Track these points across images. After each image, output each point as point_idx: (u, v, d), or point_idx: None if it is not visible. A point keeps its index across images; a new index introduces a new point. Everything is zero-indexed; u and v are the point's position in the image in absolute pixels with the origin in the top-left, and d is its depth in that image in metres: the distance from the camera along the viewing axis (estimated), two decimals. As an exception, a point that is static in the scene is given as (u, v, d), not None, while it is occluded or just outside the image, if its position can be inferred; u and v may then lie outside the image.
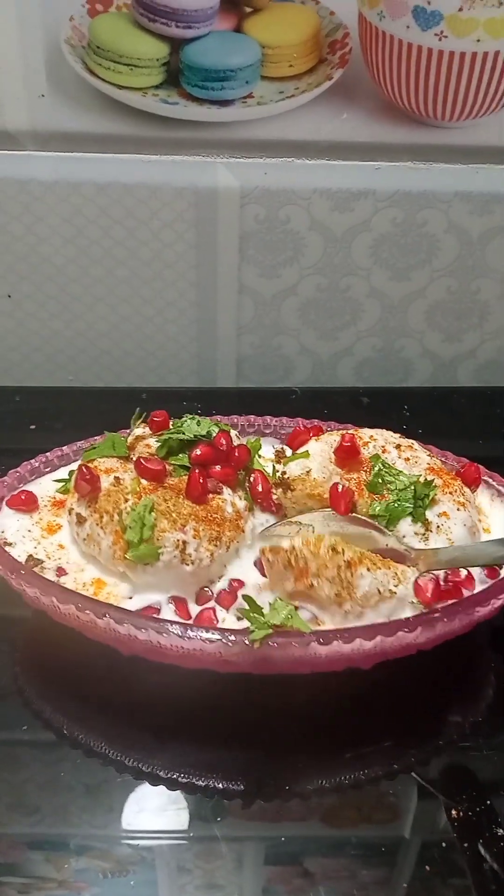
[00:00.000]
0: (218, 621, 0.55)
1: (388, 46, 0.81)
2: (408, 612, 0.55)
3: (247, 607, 0.52)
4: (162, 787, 0.53)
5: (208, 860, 0.50)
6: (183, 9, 0.78)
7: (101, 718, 0.57)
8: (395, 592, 0.54)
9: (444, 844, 0.50)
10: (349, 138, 0.86)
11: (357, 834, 0.51)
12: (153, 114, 0.83)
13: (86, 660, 0.57)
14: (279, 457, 0.65)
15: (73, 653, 0.57)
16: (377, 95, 0.84)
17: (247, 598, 0.53)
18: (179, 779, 0.54)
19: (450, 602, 0.55)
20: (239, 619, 0.54)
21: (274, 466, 0.64)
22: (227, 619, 0.55)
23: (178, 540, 0.55)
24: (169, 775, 0.54)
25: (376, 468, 0.61)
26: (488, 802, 0.53)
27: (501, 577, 0.57)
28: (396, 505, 0.59)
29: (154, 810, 0.52)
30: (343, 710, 0.57)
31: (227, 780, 0.54)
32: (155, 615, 0.55)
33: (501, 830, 0.50)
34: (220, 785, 0.54)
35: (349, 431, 0.64)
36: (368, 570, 0.53)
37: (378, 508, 0.59)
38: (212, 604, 0.55)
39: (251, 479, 0.61)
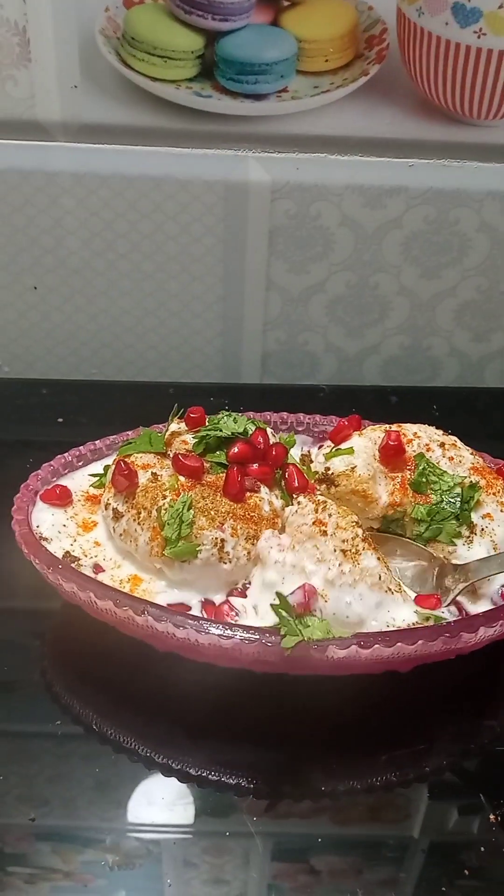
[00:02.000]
0: (237, 612, 0.54)
1: (426, 43, 0.80)
2: (402, 611, 0.55)
3: (278, 603, 0.51)
4: (173, 779, 0.53)
5: (216, 855, 0.50)
6: (220, 1, 0.78)
7: (128, 713, 0.57)
8: (391, 590, 0.55)
9: (482, 849, 0.50)
10: (383, 135, 0.85)
11: (391, 834, 0.51)
12: (186, 107, 0.82)
13: (116, 654, 0.57)
14: (305, 459, 0.65)
15: (103, 647, 0.57)
16: (413, 92, 0.83)
17: (279, 594, 0.52)
18: (210, 777, 0.54)
19: (492, 608, 0.54)
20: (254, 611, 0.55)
21: (302, 456, 0.64)
22: (246, 612, 0.55)
23: (216, 538, 0.54)
24: (198, 772, 0.54)
25: (421, 467, 0.60)
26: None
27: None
28: (441, 507, 0.58)
29: (162, 804, 0.52)
30: (377, 712, 0.56)
31: (259, 778, 0.54)
32: (189, 612, 0.54)
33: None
34: (253, 784, 0.53)
35: (393, 428, 0.63)
36: (378, 559, 0.54)
37: (422, 512, 0.58)
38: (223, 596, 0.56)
39: (286, 474, 0.60)
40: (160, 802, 0.52)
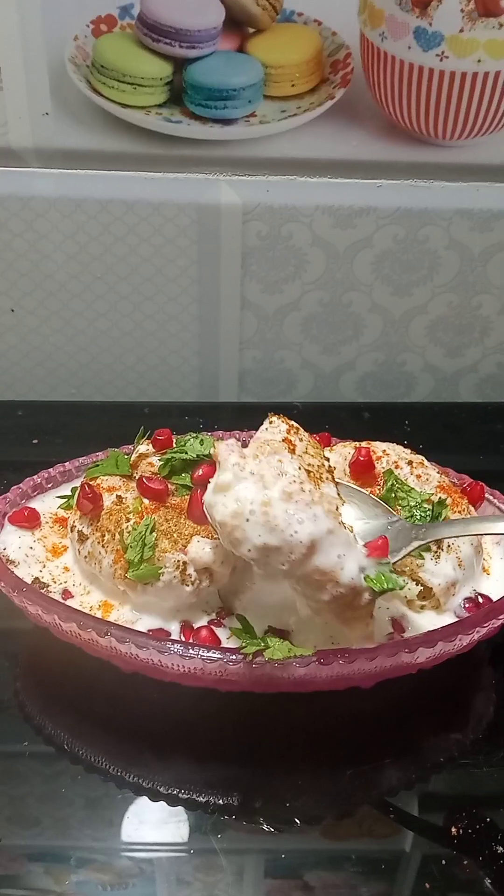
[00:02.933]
0: (220, 640, 0.55)
1: (390, 66, 0.82)
2: (352, 557, 0.52)
3: (240, 626, 0.52)
4: (162, 803, 0.54)
5: (208, 873, 0.50)
6: (186, 29, 0.79)
7: (102, 734, 0.58)
8: (345, 526, 0.53)
9: (443, 861, 0.50)
10: (351, 156, 0.86)
11: (357, 849, 0.52)
12: (156, 132, 0.84)
13: (88, 675, 0.58)
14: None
15: (75, 668, 0.58)
16: (379, 114, 0.84)
17: (240, 617, 0.53)
18: (180, 795, 0.54)
19: (450, 623, 0.55)
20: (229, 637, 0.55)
21: None
22: (229, 640, 0.55)
23: (178, 560, 0.55)
24: (169, 791, 0.54)
25: (389, 483, 0.61)
26: (488, 820, 0.53)
27: (499, 599, 0.57)
28: (413, 521, 0.59)
29: (154, 823, 0.52)
30: (344, 728, 0.57)
31: (227, 796, 0.54)
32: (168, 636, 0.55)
33: (501, 848, 0.51)
34: (221, 801, 0.54)
35: (363, 445, 0.65)
36: (339, 496, 0.54)
37: None
38: (204, 620, 0.56)
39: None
40: (133, 820, 0.52)
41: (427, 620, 0.57)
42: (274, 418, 0.55)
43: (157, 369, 0.98)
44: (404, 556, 0.55)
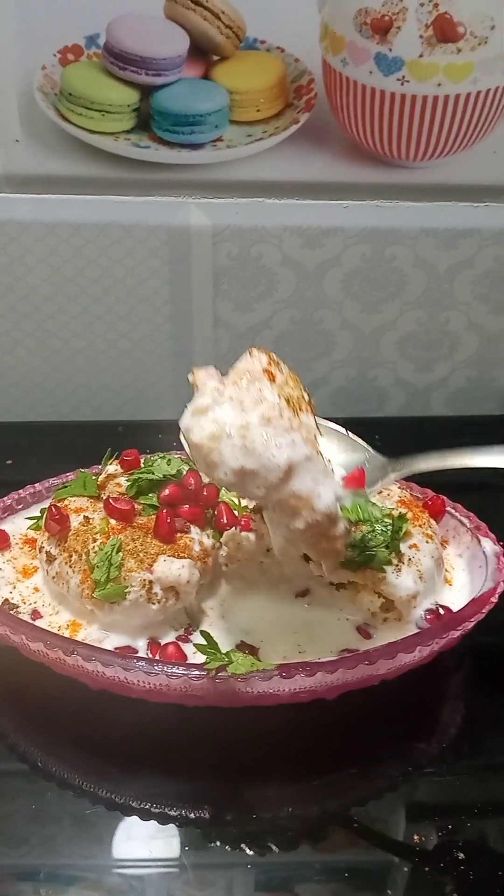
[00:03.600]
0: (186, 657, 0.56)
1: (352, 91, 0.84)
2: (328, 487, 0.52)
3: (204, 642, 0.53)
4: (135, 818, 0.54)
5: (199, 888, 0.51)
6: (152, 57, 0.81)
7: (73, 751, 0.58)
8: (321, 455, 0.52)
9: (405, 869, 0.51)
10: (317, 178, 0.88)
11: (323, 860, 0.53)
12: (126, 157, 0.86)
13: (57, 694, 0.58)
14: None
15: (45, 687, 0.59)
16: (343, 137, 0.87)
17: (204, 633, 0.54)
18: (152, 809, 0.55)
19: (410, 635, 0.56)
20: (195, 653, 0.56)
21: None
22: (195, 655, 0.57)
23: (144, 579, 0.56)
24: (141, 806, 0.55)
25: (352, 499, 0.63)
26: (449, 827, 0.54)
27: (458, 609, 0.59)
28: (371, 536, 0.61)
29: (143, 839, 0.53)
30: (310, 740, 0.58)
31: (198, 809, 0.55)
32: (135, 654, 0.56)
33: (462, 855, 0.52)
34: (192, 815, 0.55)
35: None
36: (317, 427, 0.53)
37: (355, 538, 0.60)
38: (172, 637, 0.57)
39: (216, 513, 0.62)
40: (139, 838, 0.53)
41: (390, 632, 0.59)
42: (255, 350, 0.53)
43: (132, 387, 1.00)
44: (381, 488, 0.55)
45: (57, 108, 0.83)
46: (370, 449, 0.59)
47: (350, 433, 0.61)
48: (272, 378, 0.51)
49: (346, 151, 0.87)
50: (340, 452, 0.59)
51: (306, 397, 0.53)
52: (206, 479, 0.64)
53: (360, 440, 0.61)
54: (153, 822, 0.54)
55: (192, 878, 0.51)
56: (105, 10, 0.80)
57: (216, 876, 0.52)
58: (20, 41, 0.80)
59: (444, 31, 0.81)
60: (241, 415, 0.49)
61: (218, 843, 0.53)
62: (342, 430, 0.61)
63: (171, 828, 0.54)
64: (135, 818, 0.55)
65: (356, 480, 0.54)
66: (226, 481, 0.49)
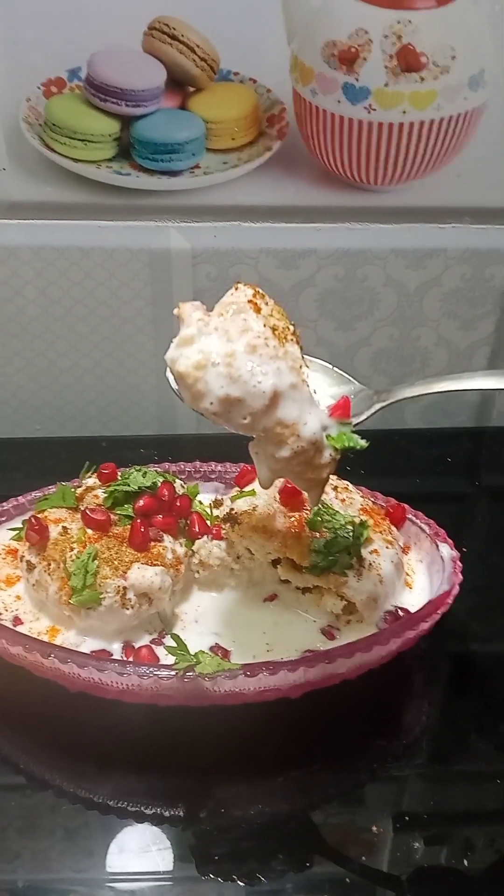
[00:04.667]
0: (158, 659, 0.59)
1: (322, 119, 0.88)
2: (313, 417, 0.52)
3: (175, 645, 0.56)
4: (112, 816, 0.57)
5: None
6: (131, 89, 0.85)
7: (51, 752, 0.61)
8: (307, 384, 0.52)
9: (363, 858, 0.54)
10: (290, 203, 0.92)
11: (288, 853, 0.56)
12: (108, 184, 0.90)
13: (36, 696, 0.61)
14: (217, 504, 0.71)
15: (24, 690, 0.62)
16: (314, 163, 0.90)
17: (174, 636, 0.57)
18: (128, 808, 0.58)
19: (368, 635, 0.59)
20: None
21: (213, 502, 0.69)
22: (168, 658, 0.60)
23: (118, 586, 0.60)
24: (117, 804, 0.58)
25: (315, 507, 0.66)
26: (406, 819, 0.57)
27: (417, 610, 0.62)
28: (334, 542, 0.64)
29: (135, 851, 0.55)
30: (276, 738, 0.61)
31: (172, 807, 0.58)
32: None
33: (417, 844, 0.55)
34: (167, 812, 0.58)
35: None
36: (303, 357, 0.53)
37: (318, 544, 0.64)
38: (146, 641, 0.60)
39: (189, 522, 0.66)
40: (132, 850, 0.55)
41: (353, 633, 0.62)
42: (240, 284, 0.54)
43: (117, 404, 1.03)
44: (366, 419, 0.56)
45: (41, 137, 0.87)
46: (355, 381, 0.60)
47: (336, 368, 0.60)
48: (258, 309, 0.51)
49: (318, 177, 0.91)
50: (326, 385, 0.59)
51: (291, 328, 0.54)
52: (179, 491, 0.68)
53: (345, 374, 0.60)
54: (160, 832, 0.56)
55: (208, 890, 0.53)
56: (86, 45, 0.84)
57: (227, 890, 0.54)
58: (5, 75, 0.84)
59: (408, 61, 0.85)
60: (227, 344, 0.49)
61: (193, 841, 0.56)
62: (328, 364, 0.61)
63: (147, 826, 0.57)
64: (112, 816, 0.58)
65: (341, 409, 0.53)
66: (212, 410, 0.49)
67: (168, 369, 0.52)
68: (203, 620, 0.64)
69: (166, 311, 0.97)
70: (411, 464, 0.96)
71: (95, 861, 0.55)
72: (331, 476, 0.66)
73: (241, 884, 0.53)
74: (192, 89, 0.87)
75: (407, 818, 0.57)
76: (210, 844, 0.56)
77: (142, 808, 0.58)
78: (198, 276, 0.95)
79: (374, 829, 0.56)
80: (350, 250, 0.95)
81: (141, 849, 0.55)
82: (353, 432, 0.54)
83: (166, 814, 0.58)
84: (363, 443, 0.55)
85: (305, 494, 0.67)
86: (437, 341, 1.01)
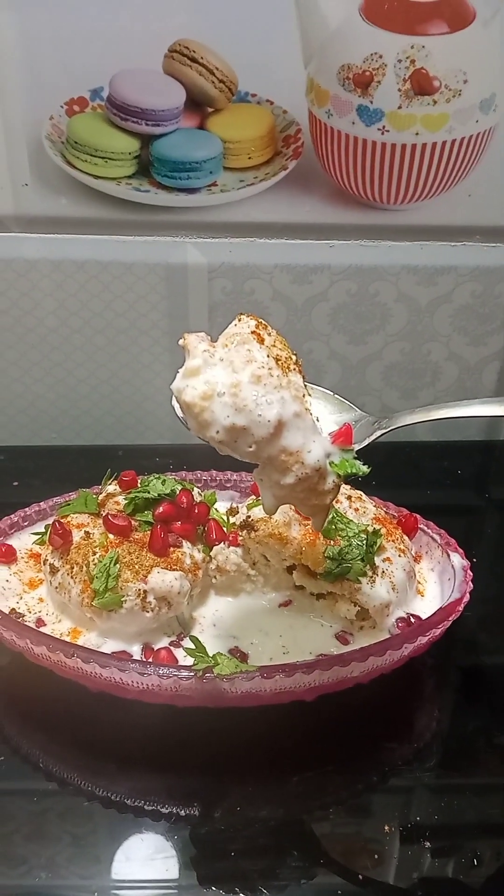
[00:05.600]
0: (177, 660, 0.61)
1: (336, 140, 0.90)
2: (317, 445, 0.53)
3: (193, 647, 0.58)
4: (130, 815, 0.59)
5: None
6: (152, 109, 0.88)
7: (73, 750, 0.63)
8: (310, 412, 0.54)
9: (376, 856, 0.56)
10: (304, 220, 0.95)
11: (303, 851, 0.57)
12: (127, 200, 0.92)
13: (58, 696, 0.63)
14: (233, 512, 0.72)
15: (47, 690, 0.63)
16: (328, 182, 0.93)
17: (193, 638, 0.59)
18: (145, 807, 0.59)
19: (381, 640, 0.61)
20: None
21: (228, 509, 0.71)
22: (186, 659, 0.62)
23: (139, 589, 0.61)
24: (134, 803, 0.59)
25: (330, 516, 0.68)
26: (418, 818, 0.59)
27: (428, 616, 0.64)
28: (348, 550, 0.66)
29: (142, 860, 0.56)
30: (290, 740, 0.62)
31: (188, 806, 0.60)
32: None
33: (428, 843, 0.56)
34: (182, 812, 0.59)
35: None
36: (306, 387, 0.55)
37: (332, 552, 0.66)
38: (165, 643, 0.62)
39: (206, 529, 0.68)
40: (138, 858, 0.56)
41: (366, 639, 0.64)
42: (243, 315, 0.55)
43: (132, 414, 1.05)
44: (368, 444, 0.58)
45: (63, 154, 0.90)
46: (357, 409, 0.62)
47: (337, 395, 0.63)
48: (261, 340, 0.53)
49: (332, 195, 0.94)
50: (328, 412, 0.61)
51: (294, 358, 0.56)
52: (198, 498, 0.70)
53: (346, 401, 0.62)
54: (166, 841, 0.57)
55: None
56: (108, 66, 0.87)
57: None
58: (29, 94, 0.87)
59: (421, 85, 0.88)
60: (232, 374, 0.50)
61: (208, 840, 0.58)
62: (329, 391, 0.63)
63: (164, 825, 0.58)
64: (129, 814, 0.59)
65: (344, 436, 0.55)
66: (218, 439, 0.51)
67: (174, 398, 0.54)
68: (220, 624, 0.66)
69: (182, 324, 0.99)
70: (422, 476, 0.98)
71: (103, 866, 0.56)
72: (339, 494, 0.68)
73: (255, 883, 0.54)
74: (210, 110, 0.90)
75: (417, 817, 0.59)
76: (225, 842, 0.57)
77: (158, 808, 0.60)
78: (213, 291, 0.98)
79: (387, 828, 0.57)
80: (363, 267, 0.97)
81: (157, 847, 0.57)
82: (355, 458, 0.56)
83: (182, 812, 0.60)
84: (365, 469, 0.57)
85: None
86: (448, 356, 1.03)
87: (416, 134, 0.89)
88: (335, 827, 0.59)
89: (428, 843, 0.56)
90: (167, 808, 0.60)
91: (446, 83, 0.88)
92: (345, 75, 0.87)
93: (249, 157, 0.91)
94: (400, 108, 0.88)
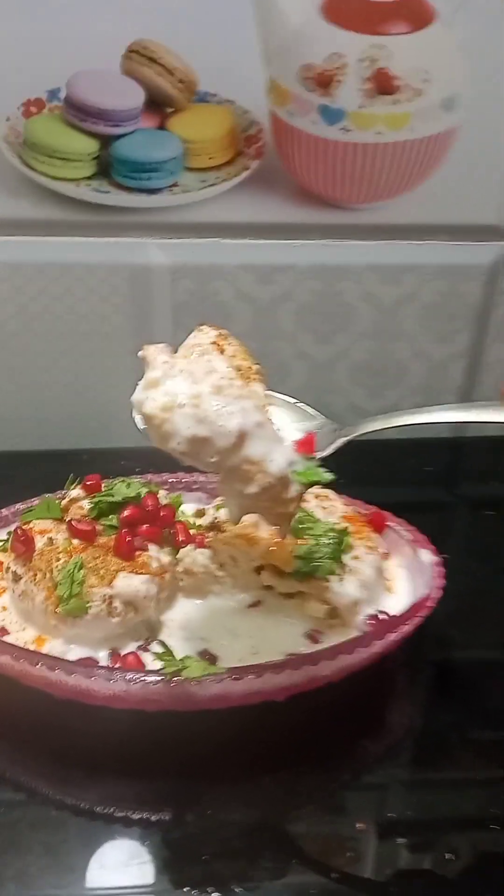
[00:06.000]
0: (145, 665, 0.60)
1: (298, 140, 0.90)
2: (279, 454, 0.54)
3: (161, 651, 0.57)
4: (99, 822, 0.58)
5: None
6: (111, 109, 0.87)
7: (40, 759, 0.61)
8: (272, 422, 0.54)
9: (348, 854, 0.55)
10: (268, 220, 0.94)
11: (274, 847, 0.56)
12: (87, 201, 0.91)
13: (23, 706, 0.62)
14: (200, 514, 0.72)
15: (11, 700, 0.62)
16: (291, 182, 0.93)
17: (160, 642, 0.58)
18: (115, 813, 0.58)
19: (350, 638, 0.61)
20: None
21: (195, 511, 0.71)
22: (154, 664, 0.61)
23: (105, 594, 0.60)
24: (105, 811, 0.58)
25: (298, 515, 0.67)
26: (389, 815, 0.58)
27: (399, 613, 0.63)
28: (317, 548, 0.65)
29: (116, 866, 0.55)
30: (262, 741, 0.61)
31: (159, 811, 0.59)
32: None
33: (400, 839, 0.56)
34: (153, 817, 0.58)
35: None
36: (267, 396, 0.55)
37: (301, 550, 0.65)
38: (133, 648, 0.61)
39: (173, 531, 0.67)
40: (111, 865, 0.55)
41: (336, 637, 0.63)
42: (203, 326, 0.55)
43: (97, 418, 1.04)
44: (331, 453, 0.58)
45: (21, 156, 0.89)
46: (320, 416, 0.62)
47: (299, 402, 0.63)
48: (221, 350, 0.53)
49: (295, 195, 0.93)
50: (290, 420, 0.61)
51: (255, 368, 0.55)
52: (163, 501, 0.69)
53: (309, 409, 0.63)
54: (140, 846, 0.56)
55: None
56: (65, 67, 0.86)
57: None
58: (-14, 96, 0.86)
59: (382, 85, 0.88)
60: (193, 385, 0.50)
61: (181, 844, 0.57)
62: (292, 399, 0.63)
63: (136, 830, 0.57)
64: (99, 822, 0.58)
65: (307, 445, 0.56)
66: (179, 450, 0.51)
67: (134, 410, 0.54)
68: (189, 627, 0.65)
69: (145, 326, 0.99)
70: (390, 473, 0.98)
71: (77, 874, 0.55)
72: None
73: (230, 885, 0.54)
74: (170, 110, 0.89)
75: (389, 813, 0.58)
76: (199, 845, 0.56)
77: (129, 814, 0.59)
78: (177, 292, 0.97)
79: (358, 825, 0.57)
80: (327, 266, 0.97)
81: (131, 853, 0.56)
82: (319, 466, 0.57)
83: (153, 818, 0.58)
84: (328, 476, 0.57)
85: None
86: (414, 354, 1.03)
87: (379, 133, 0.90)
88: (309, 826, 0.58)
89: (403, 839, 0.56)
90: (139, 814, 0.59)
91: (408, 82, 0.88)
92: (305, 75, 0.87)
93: (211, 158, 0.91)
94: (362, 107, 0.88)
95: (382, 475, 0.98)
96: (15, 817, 0.58)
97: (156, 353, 0.52)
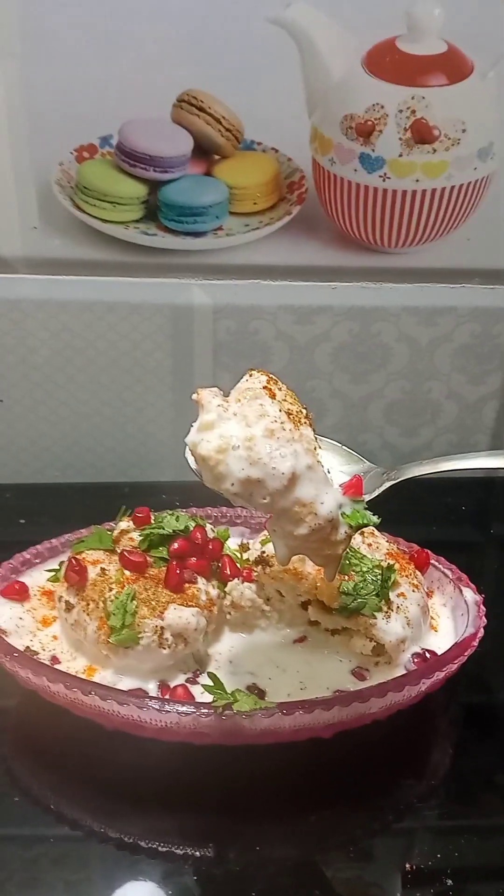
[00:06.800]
0: (194, 697, 0.61)
1: (339, 186, 0.93)
2: (330, 496, 0.55)
3: (211, 683, 0.58)
4: (142, 856, 0.58)
5: None
6: (160, 156, 0.90)
7: (87, 791, 0.62)
8: (322, 465, 0.56)
9: (398, 894, 0.55)
10: (308, 263, 0.97)
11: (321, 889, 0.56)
12: (134, 243, 0.94)
13: (73, 735, 0.63)
14: (244, 548, 0.73)
15: (62, 729, 0.63)
16: (331, 227, 0.96)
17: (211, 675, 0.59)
18: (159, 848, 0.59)
19: (399, 675, 0.61)
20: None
21: (240, 546, 0.73)
22: (202, 696, 0.61)
23: (156, 626, 0.61)
24: (148, 845, 0.59)
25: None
26: (438, 856, 0.58)
27: (446, 650, 0.64)
28: (363, 585, 0.66)
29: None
30: (307, 777, 0.62)
31: (203, 847, 0.59)
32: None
33: (451, 881, 0.56)
34: (197, 853, 0.59)
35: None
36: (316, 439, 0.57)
37: (347, 587, 0.66)
38: (181, 680, 0.62)
39: (221, 565, 0.68)
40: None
41: (382, 675, 0.64)
42: (254, 371, 0.57)
43: (136, 452, 1.06)
44: (378, 495, 0.60)
45: (73, 199, 0.92)
46: (366, 460, 0.64)
47: (345, 447, 0.66)
48: (272, 395, 0.55)
49: (334, 239, 0.96)
50: (338, 463, 0.64)
51: (304, 412, 0.57)
52: (211, 535, 0.70)
53: (355, 453, 0.65)
54: (160, 860, 0.57)
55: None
56: (117, 114, 0.90)
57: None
58: (39, 140, 0.89)
59: (421, 134, 0.91)
60: (246, 429, 0.52)
61: (225, 881, 0.57)
62: (338, 444, 0.66)
63: (179, 865, 0.57)
64: (142, 856, 0.58)
65: (354, 488, 0.57)
66: (233, 491, 0.52)
67: (188, 451, 0.55)
68: (236, 661, 0.65)
69: (186, 364, 1.01)
70: (425, 512, 0.99)
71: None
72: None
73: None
74: (217, 157, 0.92)
75: (438, 854, 0.58)
76: (242, 881, 0.56)
77: (172, 848, 0.59)
78: (218, 331, 0.99)
79: (408, 866, 0.57)
80: (364, 307, 0.99)
81: (174, 888, 0.56)
82: (366, 508, 0.58)
83: (197, 854, 0.59)
84: (376, 519, 0.59)
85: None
86: (448, 394, 1.05)
87: (417, 181, 0.92)
88: (352, 867, 0.59)
89: (450, 881, 0.56)
90: (182, 849, 0.59)
91: (445, 132, 0.91)
92: (348, 125, 0.91)
93: (255, 203, 0.93)
94: (401, 156, 0.91)
95: (417, 514, 0.99)
96: (61, 849, 0.59)
97: (209, 397, 0.54)
